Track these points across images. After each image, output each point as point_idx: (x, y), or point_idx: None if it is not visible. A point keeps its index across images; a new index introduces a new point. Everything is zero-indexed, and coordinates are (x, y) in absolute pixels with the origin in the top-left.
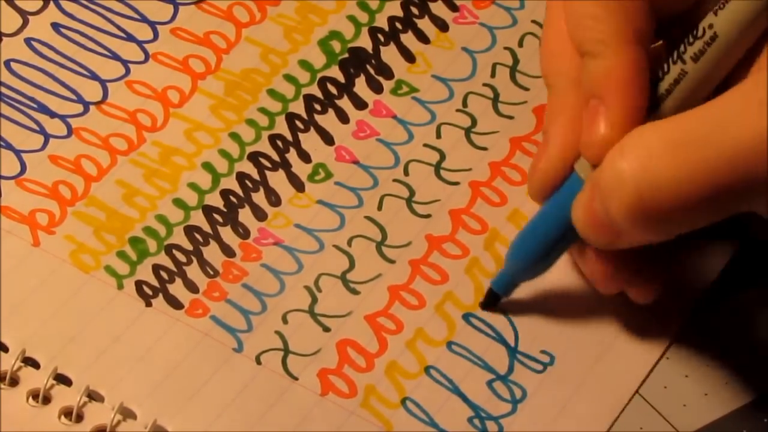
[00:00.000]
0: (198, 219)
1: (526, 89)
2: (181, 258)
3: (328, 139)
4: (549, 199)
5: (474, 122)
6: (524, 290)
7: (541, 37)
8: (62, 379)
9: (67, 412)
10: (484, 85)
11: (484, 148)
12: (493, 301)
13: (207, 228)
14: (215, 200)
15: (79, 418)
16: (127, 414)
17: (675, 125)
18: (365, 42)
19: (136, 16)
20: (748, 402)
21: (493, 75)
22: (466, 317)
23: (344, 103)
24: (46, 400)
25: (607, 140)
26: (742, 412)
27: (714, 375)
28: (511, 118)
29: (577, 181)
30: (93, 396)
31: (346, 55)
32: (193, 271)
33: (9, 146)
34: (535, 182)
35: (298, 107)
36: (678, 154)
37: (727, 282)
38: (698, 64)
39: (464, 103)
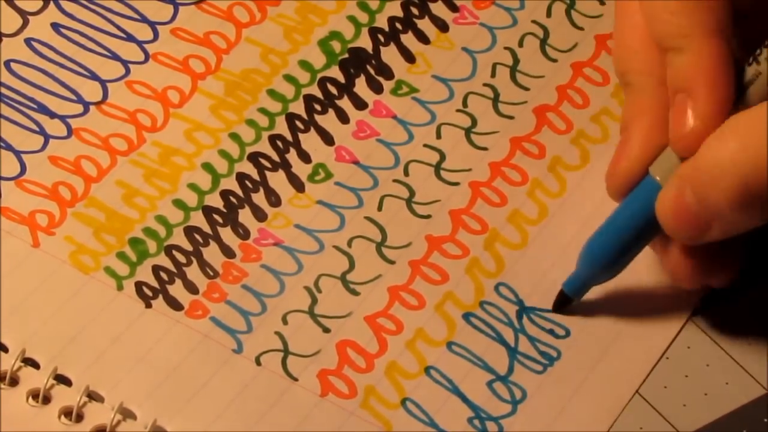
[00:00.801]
0: (198, 220)
1: (527, 89)
2: (181, 259)
3: (328, 139)
4: (625, 199)
5: (474, 122)
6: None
7: (614, 35)
8: (62, 380)
9: (66, 412)
10: (485, 85)
11: (485, 149)
12: (564, 303)
13: (207, 229)
14: (215, 201)
15: (79, 418)
16: (126, 414)
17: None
18: (365, 42)
19: (136, 16)
20: (748, 402)
21: (493, 75)
22: (466, 317)
23: (344, 103)
24: (46, 399)
25: (698, 132)
26: (742, 412)
27: (714, 375)
28: (511, 118)
29: (652, 181)
30: (93, 396)
31: (346, 56)
32: (193, 272)
33: (9, 147)
34: (616, 181)
35: (298, 107)
36: None
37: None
38: None
39: (464, 103)
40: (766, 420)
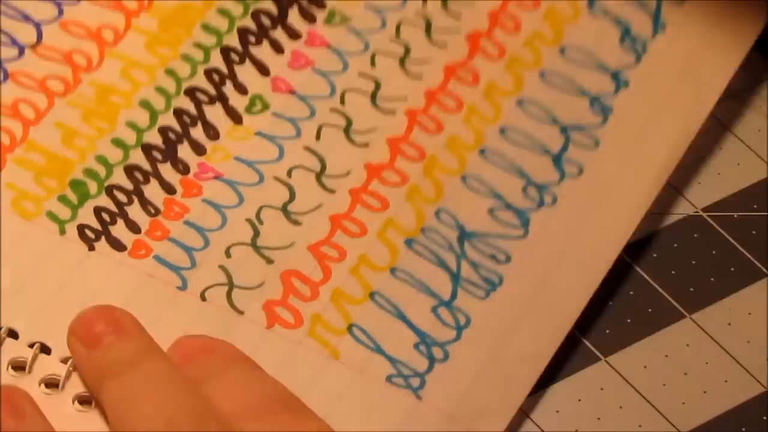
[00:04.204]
0: (138, 158)
1: (458, 16)
2: (122, 198)
3: (263, 70)
4: None
5: (407, 51)
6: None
7: None
8: (9, 333)
9: (15, 366)
10: (416, 13)
11: (419, 77)
12: None
13: (147, 166)
14: (154, 138)
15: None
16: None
17: None
18: None
19: None
20: (747, 400)
21: (424, 2)
22: (409, 243)
23: (278, 34)
24: None
25: None
26: (741, 410)
27: (713, 373)
28: (444, 46)
29: None
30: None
31: None
32: (135, 211)
33: None
34: None
35: (233, 40)
36: None
37: (724, 279)
38: None
39: (397, 33)
40: (765, 418)
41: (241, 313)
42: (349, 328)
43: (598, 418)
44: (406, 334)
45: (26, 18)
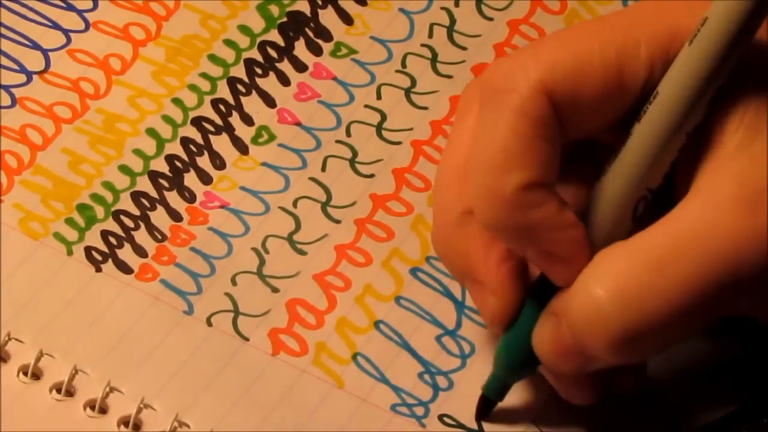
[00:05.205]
0: (144, 185)
1: (464, 48)
2: (129, 223)
3: (269, 101)
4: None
5: (414, 82)
6: None
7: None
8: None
9: (25, 371)
10: (422, 45)
11: (425, 108)
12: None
13: (153, 193)
14: (160, 165)
15: (37, 377)
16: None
17: (646, 245)
18: (303, 6)
19: None
20: (748, 402)
21: (430, 35)
22: (413, 272)
23: (285, 66)
24: (3, 358)
25: (569, 275)
26: (742, 412)
27: (714, 374)
28: (450, 77)
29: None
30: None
31: (285, 19)
32: (141, 236)
33: None
34: (492, 327)
35: (239, 71)
36: (659, 275)
37: None
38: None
39: (403, 64)
40: (766, 420)
41: (247, 339)
42: (354, 357)
43: (599, 419)
44: (410, 363)
45: (35, 45)
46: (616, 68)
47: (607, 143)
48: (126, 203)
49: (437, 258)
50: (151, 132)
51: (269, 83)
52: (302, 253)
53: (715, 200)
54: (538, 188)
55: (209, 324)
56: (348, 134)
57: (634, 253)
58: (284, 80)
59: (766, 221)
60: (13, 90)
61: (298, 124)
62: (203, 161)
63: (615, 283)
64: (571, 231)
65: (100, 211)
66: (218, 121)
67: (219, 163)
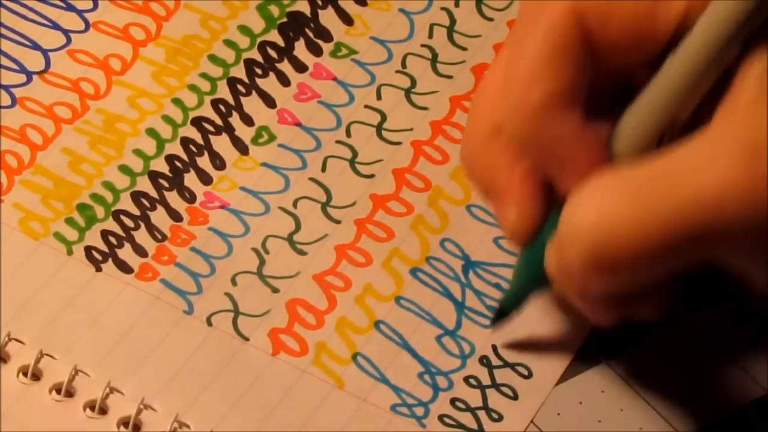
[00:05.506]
0: (144, 185)
1: (464, 49)
2: (129, 223)
3: (269, 102)
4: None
5: (414, 83)
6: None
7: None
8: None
9: (25, 371)
10: (422, 45)
11: (425, 108)
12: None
13: (153, 193)
14: (161, 166)
15: (37, 377)
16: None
17: (634, 173)
18: (303, 6)
19: None
20: (749, 402)
21: (430, 36)
22: (414, 272)
23: (285, 66)
24: (3, 358)
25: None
26: (742, 412)
27: (714, 375)
28: (450, 77)
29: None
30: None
31: (285, 20)
32: (142, 236)
33: None
34: (512, 239)
35: (239, 71)
36: (636, 203)
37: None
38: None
39: (403, 64)
40: (766, 421)
41: (247, 339)
42: (354, 357)
43: (599, 421)
44: (410, 363)
45: (35, 45)
46: (650, 4)
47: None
48: (126, 203)
49: (438, 258)
50: (151, 132)
51: (269, 83)
52: (302, 253)
53: (715, 142)
54: (563, 102)
55: (209, 324)
56: (348, 134)
57: (620, 178)
58: (284, 80)
59: (764, 173)
60: (13, 90)
61: (298, 124)
62: (203, 161)
63: (594, 205)
64: (590, 150)
65: (100, 210)
66: (218, 121)
67: (219, 163)
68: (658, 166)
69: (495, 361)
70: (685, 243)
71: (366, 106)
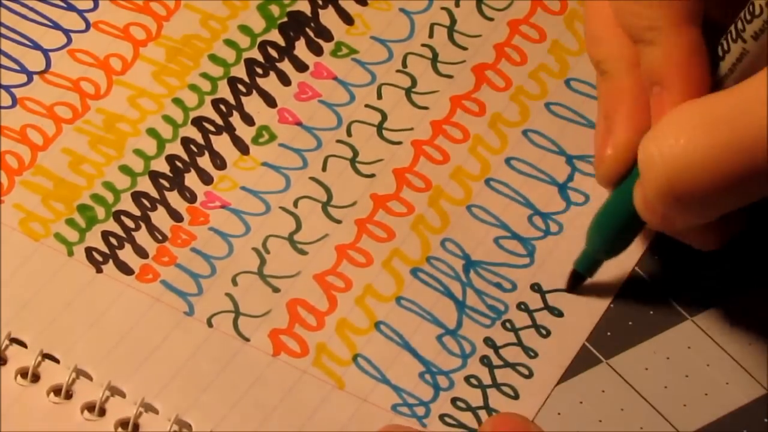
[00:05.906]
0: (145, 185)
1: (464, 48)
2: (130, 224)
3: (270, 101)
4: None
5: (414, 82)
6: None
7: (585, 23)
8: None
9: (24, 373)
10: (423, 45)
11: (425, 108)
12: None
13: (154, 193)
14: (161, 166)
15: (36, 378)
16: (83, 376)
17: (709, 104)
18: (303, 6)
19: None
20: (749, 402)
21: (431, 35)
22: (414, 272)
23: (285, 65)
24: (2, 360)
25: None
26: (742, 412)
27: (714, 375)
28: (450, 77)
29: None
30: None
31: (285, 19)
32: (142, 237)
33: None
34: (605, 170)
35: (240, 71)
36: (709, 134)
37: (726, 282)
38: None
39: (404, 64)
40: (766, 420)
41: (247, 340)
42: (354, 358)
43: (600, 420)
44: (411, 363)
45: (35, 45)
46: None
47: (716, 20)
48: (126, 203)
49: (438, 258)
50: (152, 132)
51: (270, 83)
52: (303, 253)
53: None
54: (689, 18)
55: (210, 325)
56: (349, 134)
57: (692, 111)
58: (285, 80)
59: None
60: (13, 90)
61: (299, 123)
62: (204, 161)
63: (666, 138)
64: (700, 68)
65: (100, 211)
66: (219, 121)
67: (219, 163)
68: (730, 96)
69: (496, 361)
70: (756, 173)
71: (366, 106)
